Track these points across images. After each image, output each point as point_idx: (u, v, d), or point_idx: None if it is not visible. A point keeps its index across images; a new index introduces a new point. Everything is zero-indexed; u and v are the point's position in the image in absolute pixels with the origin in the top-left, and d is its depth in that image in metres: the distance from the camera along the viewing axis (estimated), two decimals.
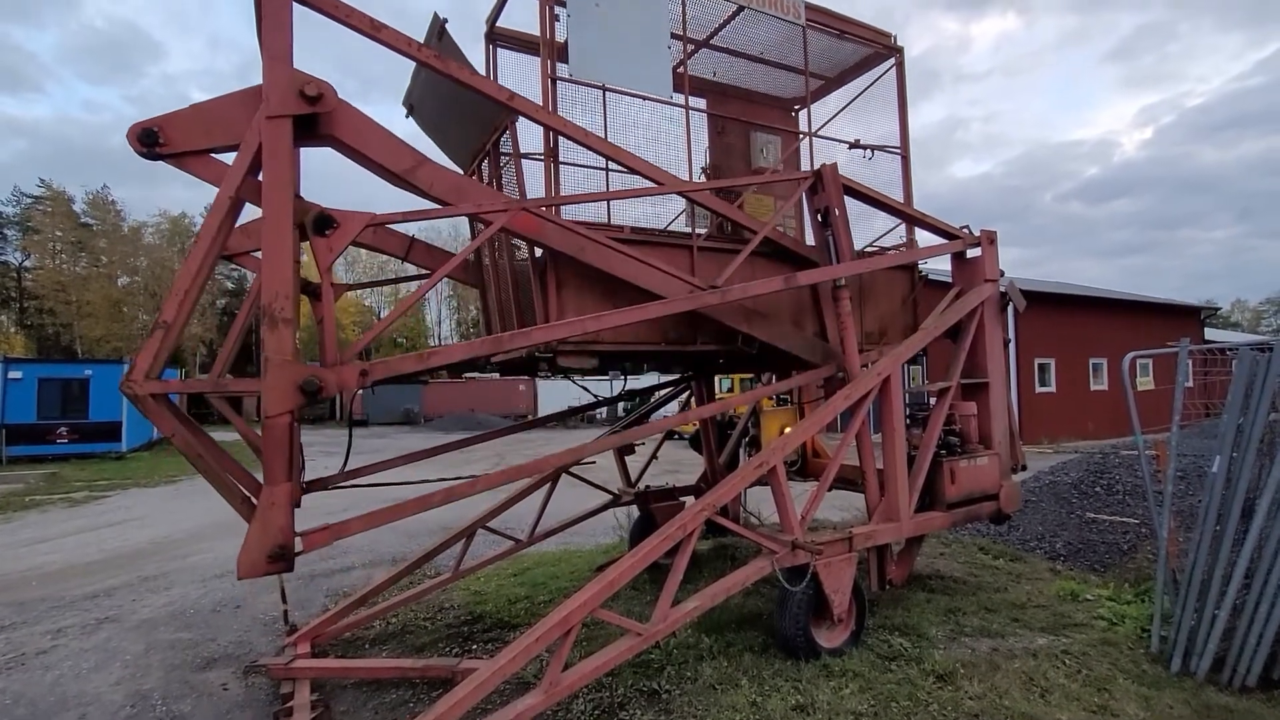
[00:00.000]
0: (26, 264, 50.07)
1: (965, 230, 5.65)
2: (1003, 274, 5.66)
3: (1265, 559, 3.72)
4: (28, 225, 48.04)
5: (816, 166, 5.08)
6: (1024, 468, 5.86)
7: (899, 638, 4.64)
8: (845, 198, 5.04)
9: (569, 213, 4.24)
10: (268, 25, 3.10)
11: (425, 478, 5.01)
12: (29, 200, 49.15)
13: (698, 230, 4.86)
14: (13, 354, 34.16)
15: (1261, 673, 3.75)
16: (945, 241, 5.66)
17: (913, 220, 5.73)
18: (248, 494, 3.47)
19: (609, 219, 4.67)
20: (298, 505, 3.23)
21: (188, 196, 76.62)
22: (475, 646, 4.84)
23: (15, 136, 70.26)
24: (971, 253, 5.66)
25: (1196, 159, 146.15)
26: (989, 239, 5.59)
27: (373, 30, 3.38)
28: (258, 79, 3.14)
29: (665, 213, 5.26)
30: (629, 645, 3.63)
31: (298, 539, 3.18)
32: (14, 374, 18.65)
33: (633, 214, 4.87)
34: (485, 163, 4.81)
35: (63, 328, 45.78)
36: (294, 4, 3.16)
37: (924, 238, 5.95)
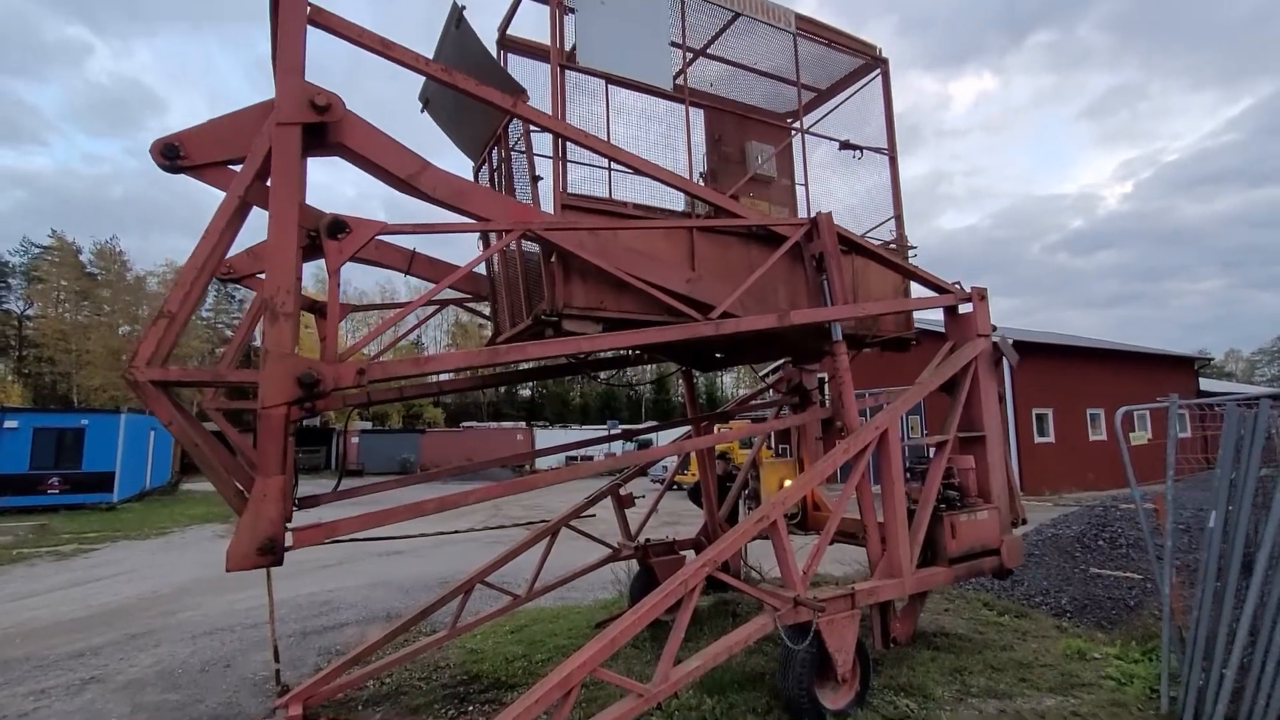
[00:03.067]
0: (29, 313, 50.44)
1: (957, 286, 5.82)
2: (995, 329, 5.80)
3: (1267, 615, 3.71)
4: (33, 275, 48.63)
5: (813, 207, 5.27)
6: (1024, 521, 5.85)
7: (904, 698, 4.54)
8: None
9: (575, 192, 4.40)
10: (283, 42, 3.32)
11: (422, 531, 5.01)
12: (37, 250, 49.93)
13: (697, 211, 4.97)
14: (9, 403, 34.04)
15: None
16: (936, 295, 5.82)
17: (906, 274, 5.91)
18: (240, 487, 3.47)
19: (610, 193, 4.76)
20: (288, 520, 3.22)
21: (186, 245, 77.99)
22: (472, 708, 4.72)
23: (14, 187, 71.70)
24: (963, 308, 5.81)
25: (1178, 213, 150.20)
26: (979, 295, 5.75)
27: (383, 48, 3.61)
28: None
29: (665, 191, 5.22)
30: (630, 706, 3.56)
31: (288, 535, 3.17)
32: (9, 423, 18.55)
33: (633, 192, 4.95)
34: (495, 149, 4.96)
35: (60, 377, 45.74)
36: (309, 26, 3.37)
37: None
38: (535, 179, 4.46)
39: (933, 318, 6.63)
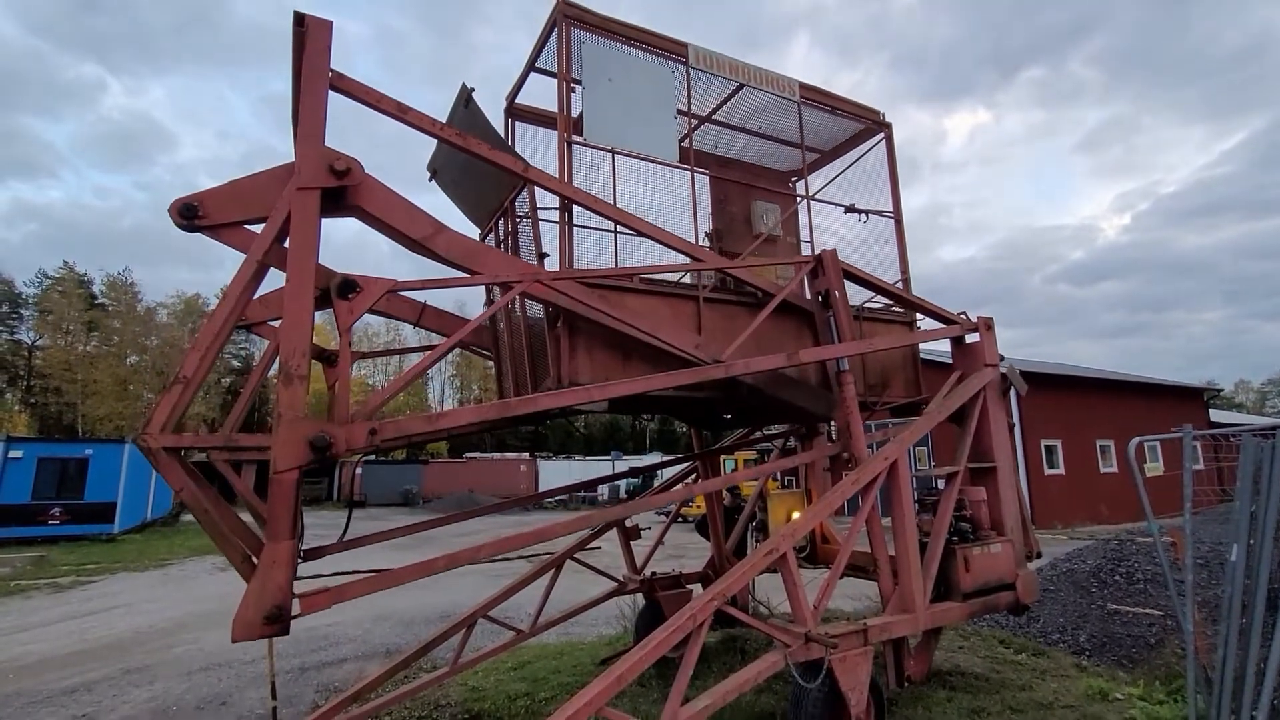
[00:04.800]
0: (38, 343, 50.92)
1: (963, 316, 5.81)
2: (1002, 358, 5.77)
3: None
4: (42, 306, 49.23)
5: (817, 251, 5.31)
6: (1038, 555, 5.72)
7: None
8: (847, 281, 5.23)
9: (581, 264, 4.42)
10: (305, 107, 3.36)
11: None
12: (49, 281, 50.66)
13: (703, 283, 5.01)
14: (15, 433, 34.12)
15: None
16: (943, 326, 5.80)
17: (911, 306, 5.91)
18: (249, 552, 3.41)
19: (615, 263, 4.76)
20: (295, 571, 3.16)
21: (191, 278, 79.36)
22: None
23: (27, 219, 73.72)
24: (970, 338, 5.79)
25: (1178, 243, 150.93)
26: (986, 325, 5.74)
27: (399, 112, 3.67)
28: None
29: (670, 259, 5.41)
30: None
31: (295, 601, 3.10)
32: (14, 453, 18.53)
33: (640, 253, 4.98)
34: (502, 221, 5.03)
35: (67, 406, 45.90)
36: (329, 90, 3.42)
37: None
38: (542, 256, 4.52)
39: (937, 348, 6.61)
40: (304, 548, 4.08)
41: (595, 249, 4.85)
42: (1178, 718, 4.54)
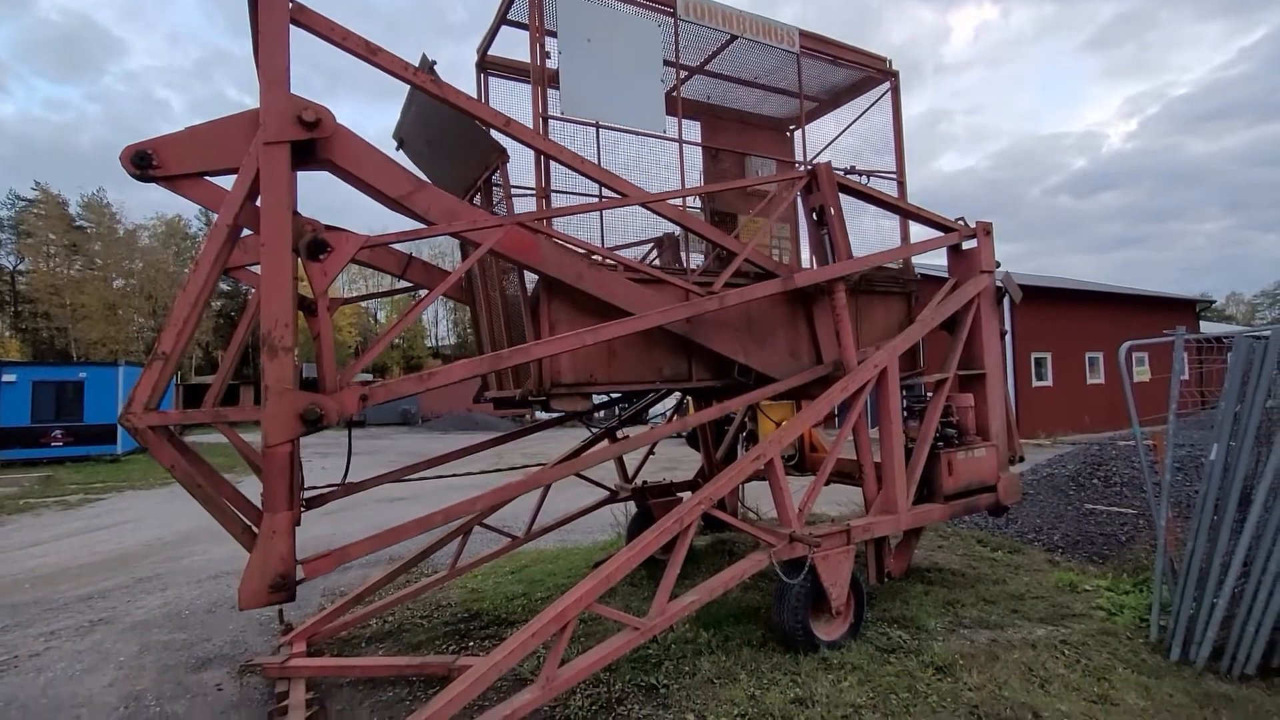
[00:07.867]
0: (20, 267, 49.82)
1: (961, 222, 5.64)
2: (999, 265, 5.65)
3: (1263, 547, 3.71)
4: (21, 228, 47.75)
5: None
6: (1021, 459, 5.85)
7: (898, 630, 4.63)
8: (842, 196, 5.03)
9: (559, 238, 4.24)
10: (265, 48, 3.05)
11: (422, 475, 5.00)
12: (23, 204, 48.89)
13: (691, 267, 4.85)
14: (7, 357, 34.01)
15: (1261, 660, 3.74)
16: (942, 234, 5.64)
17: (908, 215, 5.71)
18: (248, 523, 3.41)
19: (603, 260, 4.58)
20: (297, 523, 3.18)
21: (161, 199, 76.44)
22: (472, 644, 4.82)
23: None
24: (967, 244, 5.64)
25: (1184, 150, 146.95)
26: (985, 230, 5.58)
27: (368, 53, 3.35)
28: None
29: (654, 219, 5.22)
30: (626, 640, 3.61)
31: (299, 567, 3.14)
32: (7, 377, 18.53)
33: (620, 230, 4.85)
34: (477, 198, 4.79)
35: (57, 331, 45.55)
36: (291, 26, 3.11)
37: (918, 232, 5.95)
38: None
39: (930, 261, 6.47)
40: (305, 495, 4.08)
41: (577, 228, 4.60)
42: (1142, 605, 4.79)
